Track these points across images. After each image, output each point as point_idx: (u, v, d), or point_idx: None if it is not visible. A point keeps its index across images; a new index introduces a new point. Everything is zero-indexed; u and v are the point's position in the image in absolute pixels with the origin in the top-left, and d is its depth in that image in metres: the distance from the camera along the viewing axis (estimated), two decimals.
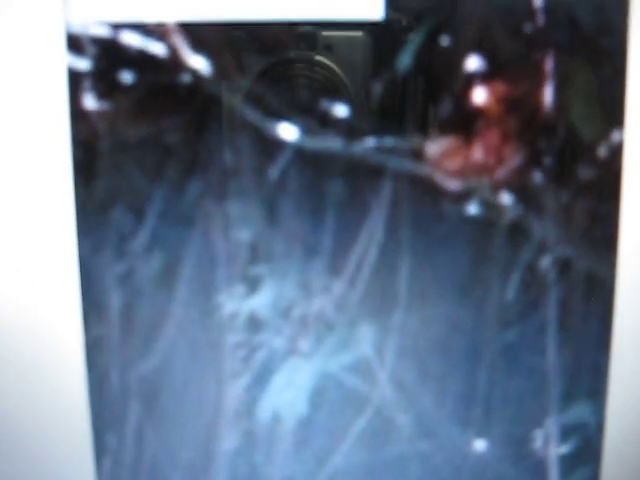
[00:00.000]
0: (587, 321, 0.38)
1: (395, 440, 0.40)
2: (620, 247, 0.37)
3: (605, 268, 0.37)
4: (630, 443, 0.40)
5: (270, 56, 0.37)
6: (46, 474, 0.39)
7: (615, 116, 0.36)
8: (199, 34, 0.35)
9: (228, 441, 0.39)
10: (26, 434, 0.38)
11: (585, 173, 0.37)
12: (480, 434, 0.39)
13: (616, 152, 0.36)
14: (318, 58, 0.37)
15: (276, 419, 0.39)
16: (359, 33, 0.36)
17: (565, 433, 0.39)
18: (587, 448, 0.39)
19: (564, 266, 0.38)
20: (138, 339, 0.38)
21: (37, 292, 0.36)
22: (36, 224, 0.36)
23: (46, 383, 0.37)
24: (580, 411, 0.39)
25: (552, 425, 0.39)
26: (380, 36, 0.36)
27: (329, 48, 0.37)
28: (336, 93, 0.37)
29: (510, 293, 0.38)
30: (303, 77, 0.37)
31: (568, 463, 0.40)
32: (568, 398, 0.39)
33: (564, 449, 0.39)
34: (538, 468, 0.40)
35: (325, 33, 0.36)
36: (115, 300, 0.37)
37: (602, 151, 0.36)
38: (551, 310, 0.38)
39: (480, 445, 0.39)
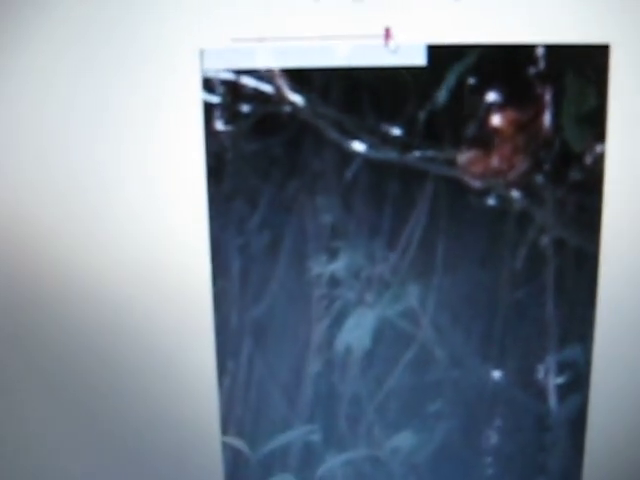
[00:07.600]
0: (577, 284, 0.41)
1: (433, 369, 0.42)
2: (602, 230, 0.40)
3: (591, 245, 0.40)
4: (611, 376, 0.42)
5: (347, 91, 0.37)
6: (183, 389, 0.42)
7: (598, 133, 0.39)
8: (296, 77, 0.38)
9: (313, 366, 0.41)
10: (168, 359, 0.41)
11: (575, 175, 0.39)
12: (497, 366, 0.41)
13: (599, 160, 0.39)
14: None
15: (348, 351, 0.41)
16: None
17: (561, 368, 0.41)
18: (578, 380, 0.41)
19: (559, 244, 0.40)
20: (251, 291, 0.40)
21: (182, 259, 0.40)
22: (181, 212, 0.40)
23: (185, 322, 0.41)
24: (573, 351, 0.41)
25: (551, 361, 0.41)
26: (423, 76, 0.38)
27: None
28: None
29: (519, 263, 0.40)
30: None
31: (563, 391, 0.42)
32: (563, 341, 0.41)
33: (560, 380, 0.41)
34: (540, 393, 0.42)
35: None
36: (236, 264, 0.40)
37: (588, 159, 0.39)
38: (550, 276, 0.40)
39: (497, 374, 0.41)
